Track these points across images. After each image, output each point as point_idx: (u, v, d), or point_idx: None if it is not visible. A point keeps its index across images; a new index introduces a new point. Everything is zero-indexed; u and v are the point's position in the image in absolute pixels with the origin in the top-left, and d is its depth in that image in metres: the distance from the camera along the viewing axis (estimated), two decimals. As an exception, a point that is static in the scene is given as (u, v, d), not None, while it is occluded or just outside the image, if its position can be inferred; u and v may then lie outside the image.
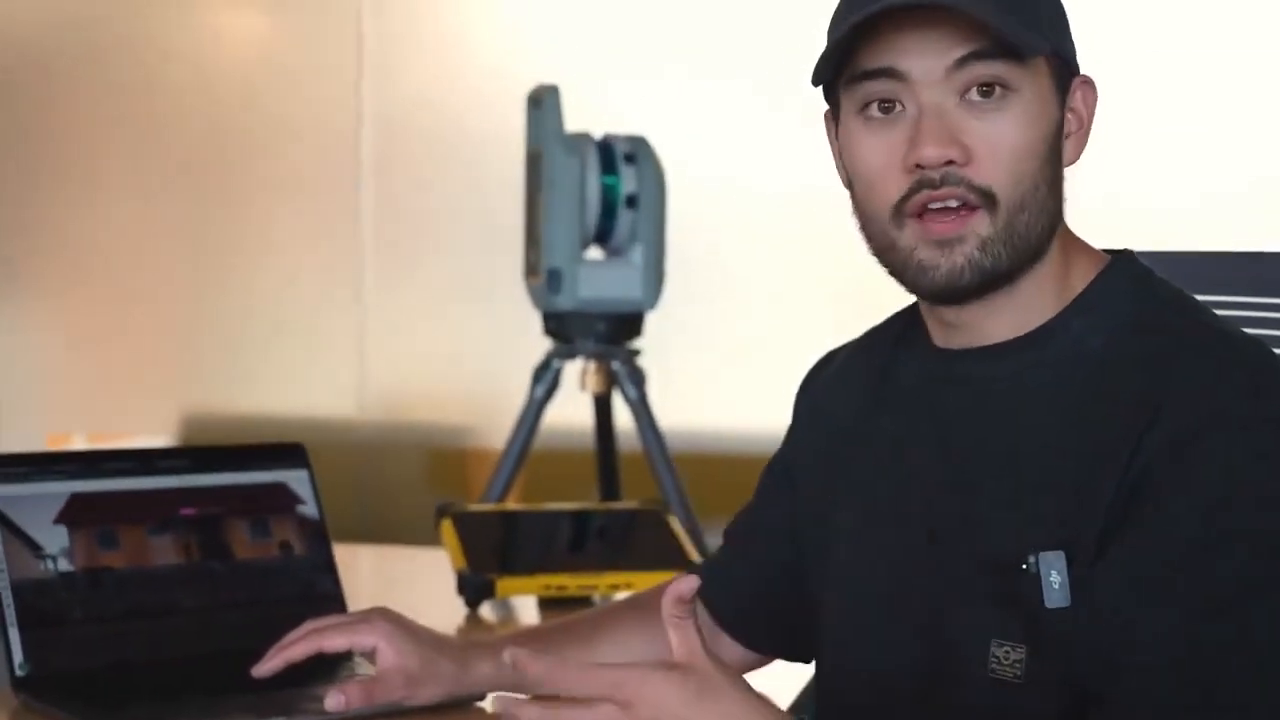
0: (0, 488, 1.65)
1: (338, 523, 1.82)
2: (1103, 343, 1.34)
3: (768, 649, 1.63)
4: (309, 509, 1.79)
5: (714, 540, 1.97)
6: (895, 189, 1.32)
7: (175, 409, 4.79)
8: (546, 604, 2.16)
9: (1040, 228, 1.33)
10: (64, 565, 1.65)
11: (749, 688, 1.20)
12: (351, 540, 2.21)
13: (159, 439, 4.61)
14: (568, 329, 3.34)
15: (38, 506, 1.65)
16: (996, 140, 1.31)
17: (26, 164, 4.92)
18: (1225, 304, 1.55)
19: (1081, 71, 1.38)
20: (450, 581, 2.14)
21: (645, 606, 1.67)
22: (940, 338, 1.41)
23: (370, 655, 1.57)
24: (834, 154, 1.40)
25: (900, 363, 1.46)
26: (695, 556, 2.19)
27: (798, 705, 1.82)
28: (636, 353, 3.37)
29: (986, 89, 1.31)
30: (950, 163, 1.30)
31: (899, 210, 1.33)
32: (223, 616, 1.71)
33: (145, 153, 4.82)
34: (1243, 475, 1.25)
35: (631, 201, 3.30)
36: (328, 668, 1.60)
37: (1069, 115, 1.36)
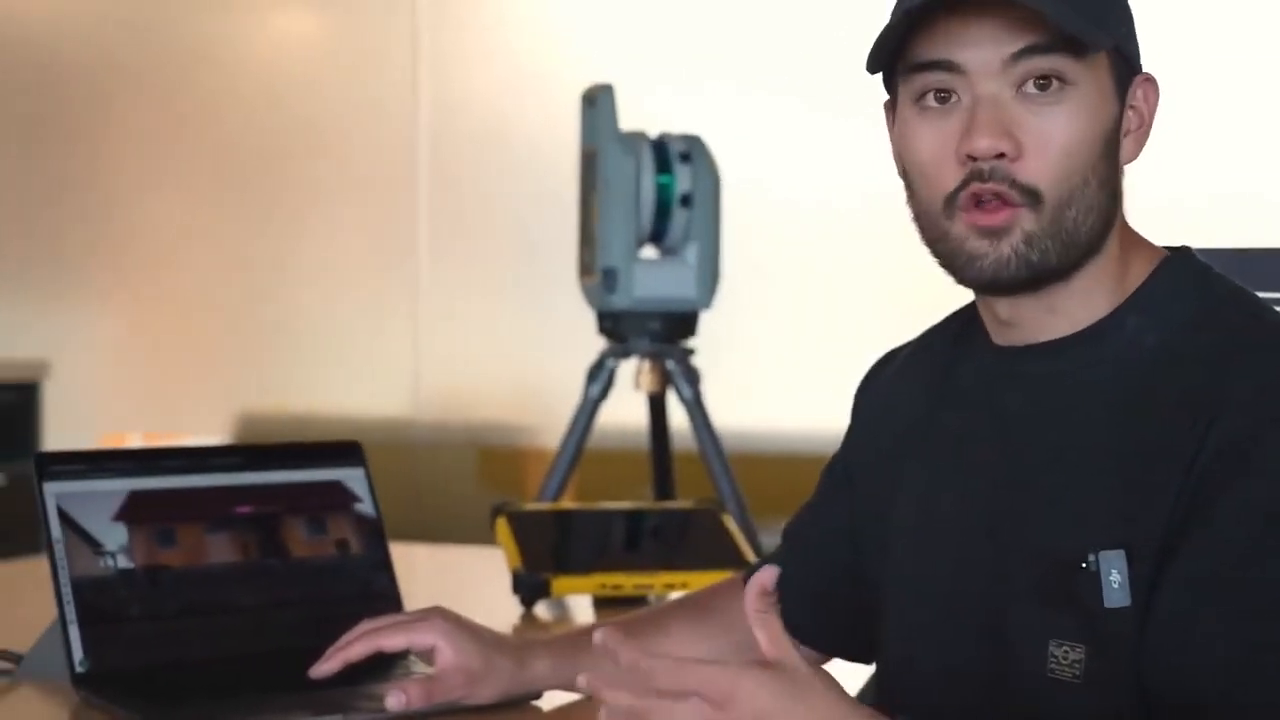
0: (60, 485, 1.65)
1: (392, 522, 1.81)
2: (1160, 340, 1.33)
3: (827, 648, 1.62)
4: (366, 507, 1.79)
5: (769, 540, 1.97)
6: (949, 179, 1.32)
7: (230, 409, 4.81)
8: (601, 603, 2.16)
9: (1090, 224, 1.32)
10: (123, 562, 1.65)
11: (840, 687, 1.18)
12: (406, 539, 2.21)
13: (214, 439, 4.63)
14: (622, 328, 3.34)
15: (97, 504, 1.65)
16: (1048, 135, 1.30)
17: (86, 166, 4.95)
18: (1287, 301, 1.53)
19: (1144, 69, 1.37)
20: (505, 580, 2.14)
21: (699, 606, 1.66)
22: (998, 336, 1.40)
23: (426, 654, 1.57)
24: (891, 143, 1.40)
25: (960, 361, 1.46)
26: (751, 556, 2.18)
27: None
28: (691, 352, 3.37)
29: (1043, 82, 1.30)
30: (1001, 155, 1.29)
31: (950, 202, 1.32)
32: (279, 615, 1.71)
33: (203, 155, 4.85)
34: (1305, 475, 1.23)
35: (686, 200, 3.30)
36: (383, 666, 1.60)
37: (1129, 113, 1.35)
